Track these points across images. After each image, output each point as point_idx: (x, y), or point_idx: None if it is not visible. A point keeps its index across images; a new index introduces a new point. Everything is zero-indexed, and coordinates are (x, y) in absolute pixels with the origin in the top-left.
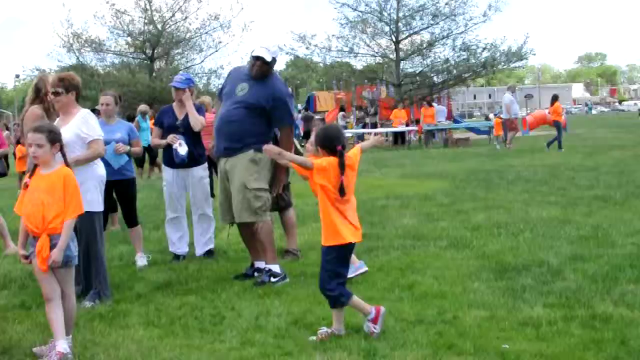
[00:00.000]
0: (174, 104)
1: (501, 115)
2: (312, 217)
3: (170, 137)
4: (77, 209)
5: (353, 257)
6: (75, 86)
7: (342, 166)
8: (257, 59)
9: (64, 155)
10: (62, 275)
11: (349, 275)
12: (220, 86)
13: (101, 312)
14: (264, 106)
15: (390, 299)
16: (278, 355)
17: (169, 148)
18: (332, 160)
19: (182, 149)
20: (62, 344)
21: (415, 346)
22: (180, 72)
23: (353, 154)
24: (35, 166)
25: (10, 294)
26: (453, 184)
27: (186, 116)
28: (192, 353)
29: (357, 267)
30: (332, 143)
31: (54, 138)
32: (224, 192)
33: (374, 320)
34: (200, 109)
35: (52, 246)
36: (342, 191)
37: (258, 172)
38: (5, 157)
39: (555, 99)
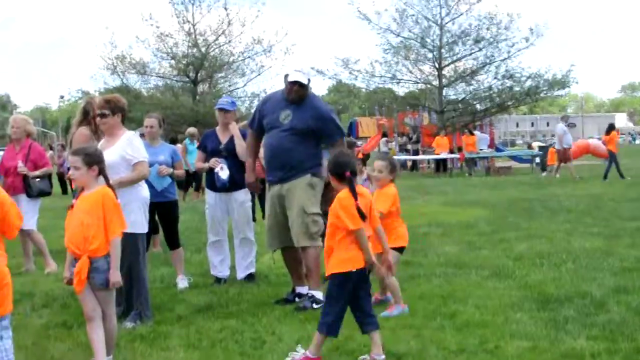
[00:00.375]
0: (217, 128)
1: (555, 146)
2: None
3: (212, 161)
4: (120, 225)
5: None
6: (121, 108)
7: (353, 192)
8: (294, 83)
9: (105, 178)
10: (103, 297)
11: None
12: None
13: (142, 333)
14: (313, 128)
15: (431, 327)
16: None
17: (211, 172)
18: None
19: (223, 172)
20: None
21: None
22: (224, 95)
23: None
24: (83, 188)
25: (52, 313)
26: (495, 213)
27: (229, 140)
28: None
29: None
30: (341, 169)
31: (90, 160)
32: (275, 218)
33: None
34: (245, 135)
35: (93, 269)
36: (362, 215)
37: (315, 197)
38: (49, 176)
39: (612, 128)
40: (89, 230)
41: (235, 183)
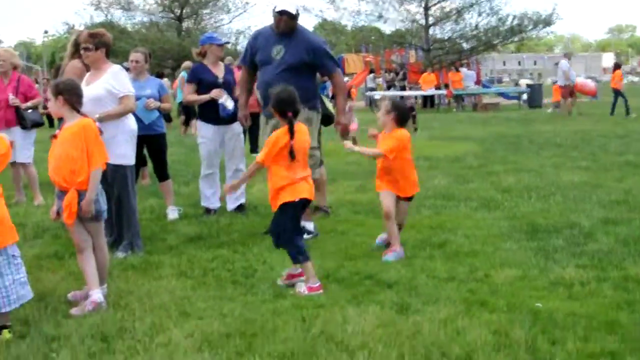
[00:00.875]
0: (208, 62)
1: (559, 83)
2: (342, 175)
3: (216, 92)
4: (101, 158)
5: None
6: (104, 43)
7: (291, 131)
8: (282, 14)
9: (77, 111)
10: (93, 229)
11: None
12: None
13: (134, 263)
14: (306, 61)
15: (421, 257)
16: (311, 307)
17: (208, 104)
18: None
19: (229, 102)
20: (97, 294)
21: (448, 302)
22: (210, 32)
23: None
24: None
25: (43, 244)
26: (483, 147)
27: (226, 73)
28: (225, 304)
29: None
30: (283, 107)
31: (56, 91)
32: None
33: (310, 289)
34: (229, 70)
35: (80, 200)
36: (292, 154)
37: (311, 131)
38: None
39: (617, 67)
40: (75, 164)
41: (234, 114)
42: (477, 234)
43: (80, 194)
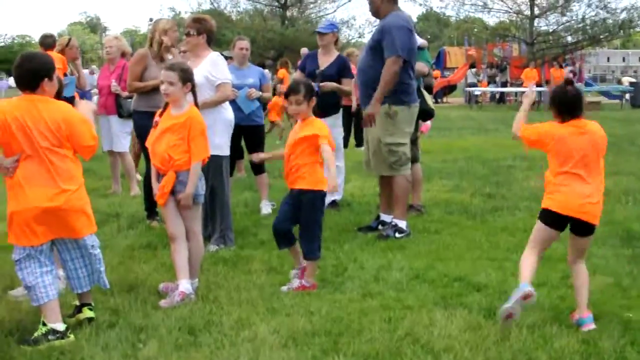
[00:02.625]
0: (319, 51)
1: None
2: (437, 173)
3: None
4: (203, 151)
5: None
6: (207, 29)
7: None
8: None
9: (194, 96)
10: (188, 213)
11: None
12: (350, 38)
13: (225, 256)
14: (378, 41)
15: (513, 260)
16: (398, 308)
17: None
18: None
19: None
20: (185, 284)
21: (537, 308)
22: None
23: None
24: (166, 105)
25: (136, 234)
26: None
27: (329, 66)
28: (313, 301)
29: None
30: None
31: (186, 77)
32: (367, 145)
33: (301, 288)
34: (346, 62)
35: (178, 182)
36: None
37: (393, 126)
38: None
39: None
40: (175, 150)
41: (325, 108)
42: None
43: (178, 175)
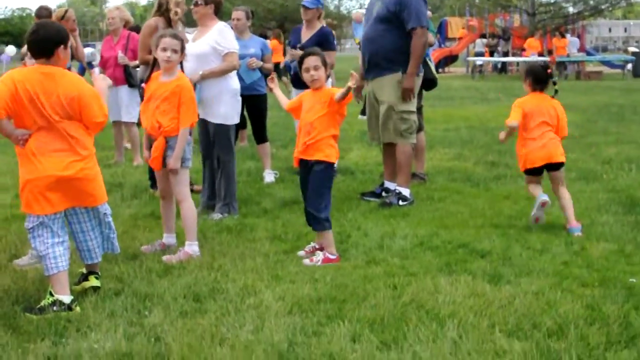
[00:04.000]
0: (303, 24)
1: None
2: (440, 142)
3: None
4: (191, 116)
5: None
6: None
7: None
8: None
9: (181, 65)
10: (177, 177)
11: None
12: (352, 8)
13: (229, 224)
14: (393, 12)
15: (517, 227)
16: (402, 275)
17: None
18: None
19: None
20: (167, 238)
21: (541, 274)
22: None
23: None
24: (150, 74)
25: (140, 203)
26: (584, 117)
27: (309, 39)
28: (317, 269)
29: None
30: None
31: (184, 46)
32: (372, 112)
33: (326, 260)
34: (329, 33)
35: (168, 147)
36: None
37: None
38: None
39: None
40: (164, 117)
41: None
42: (575, 205)
43: (167, 140)
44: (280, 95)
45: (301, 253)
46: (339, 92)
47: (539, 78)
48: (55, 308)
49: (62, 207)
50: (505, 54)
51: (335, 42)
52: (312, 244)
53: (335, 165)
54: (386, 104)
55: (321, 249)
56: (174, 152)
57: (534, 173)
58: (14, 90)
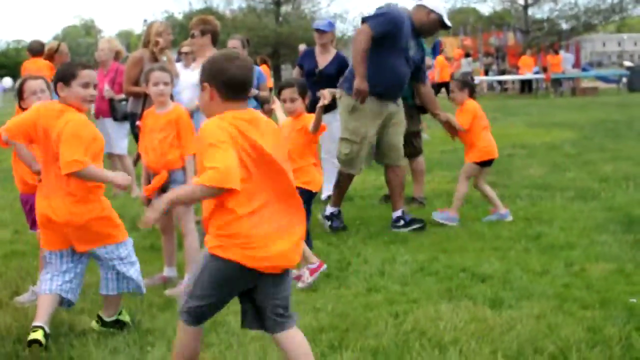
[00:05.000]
0: (317, 48)
1: None
2: (438, 165)
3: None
4: (194, 145)
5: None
6: (211, 30)
7: None
8: (443, 26)
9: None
10: (183, 209)
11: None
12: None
13: None
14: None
15: (516, 249)
16: (404, 302)
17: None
18: None
19: None
20: (168, 271)
21: (542, 297)
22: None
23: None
24: (143, 109)
25: (139, 236)
26: (580, 134)
27: (328, 64)
28: (319, 298)
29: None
30: None
31: (172, 78)
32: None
33: (312, 271)
34: (345, 58)
35: (171, 181)
36: None
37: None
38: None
39: None
40: (164, 145)
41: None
42: (573, 225)
43: (170, 174)
44: (281, 115)
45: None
46: (311, 121)
47: (473, 88)
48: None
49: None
50: (502, 73)
51: None
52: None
53: (324, 196)
54: (404, 127)
55: (299, 277)
56: (187, 178)
57: (485, 165)
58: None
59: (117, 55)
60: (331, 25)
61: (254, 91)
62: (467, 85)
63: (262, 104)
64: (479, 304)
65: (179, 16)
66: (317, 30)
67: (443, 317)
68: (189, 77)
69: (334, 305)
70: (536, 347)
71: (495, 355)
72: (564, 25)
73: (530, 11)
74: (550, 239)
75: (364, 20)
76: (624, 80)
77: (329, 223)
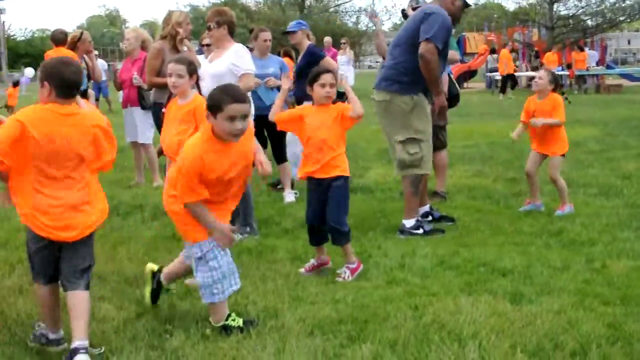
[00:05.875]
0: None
1: None
2: (460, 159)
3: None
4: None
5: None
6: (227, 21)
7: None
8: (466, 5)
9: (198, 88)
10: None
11: None
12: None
13: (249, 246)
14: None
15: (537, 245)
16: (424, 295)
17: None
18: None
19: None
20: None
21: (562, 293)
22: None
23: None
24: (169, 98)
25: (161, 225)
26: (604, 131)
27: (300, 60)
28: (338, 289)
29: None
30: None
31: (192, 69)
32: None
33: (353, 271)
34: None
35: None
36: None
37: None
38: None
39: None
40: (184, 135)
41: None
42: (595, 222)
43: None
44: (278, 103)
45: (301, 271)
46: (352, 108)
47: (559, 84)
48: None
49: None
50: (535, 69)
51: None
52: (312, 261)
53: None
54: None
55: (321, 265)
56: None
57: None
58: None
59: (144, 44)
60: (300, 24)
61: (276, 82)
62: (556, 79)
63: None
64: (499, 299)
65: (203, 8)
66: (286, 33)
67: (463, 310)
68: (208, 67)
69: (354, 297)
70: (556, 342)
71: (514, 349)
72: (589, 22)
73: (555, 7)
74: (572, 234)
75: (429, 39)
76: None
77: (420, 232)
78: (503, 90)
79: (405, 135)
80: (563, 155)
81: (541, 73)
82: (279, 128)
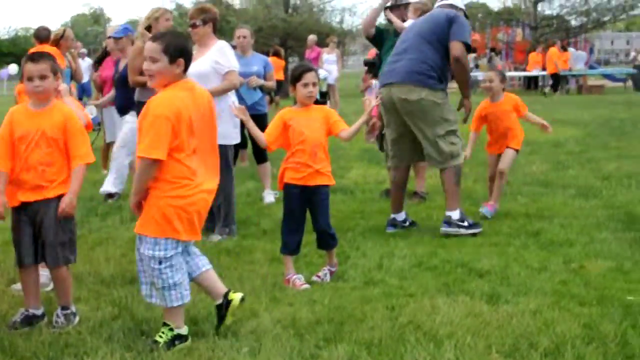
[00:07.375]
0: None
1: None
2: None
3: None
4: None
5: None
6: (212, 18)
7: None
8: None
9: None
10: None
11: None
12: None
13: (227, 246)
14: None
15: (515, 245)
16: (401, 296)
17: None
18: None
19: None
20: None
21: (539, 293)
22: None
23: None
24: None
25: None
26: (585, 132)
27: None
28: (316, 290)
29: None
30: None
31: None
32: None
33: (332, 273)
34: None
35: None
36: None
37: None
38: None
39: None
40: None
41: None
42: (573, 223)
43: None
44: (257, 133)
45: (315, 279)
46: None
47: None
48: (176, 342)
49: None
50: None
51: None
52: (325, 269)
53: None
54: None
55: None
56: None
57: None
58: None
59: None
60: (126, 30)
61: (259, 81)
62: (505, 78)
63: (269, 93)
64: (476, 299)
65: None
66: (111, 38)
67: (439, 311)
68: (191, 67)
69: (331, 298)
70: (531, 342)
71: (489, 349)
72: (573, 22)
73: (539, 7)
74: (550, 235)
75: (463, 42)
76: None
77: (465, 224)
78: None
79: (445, 128)
80: (517, 151)
81: (491, 76)
82: (273, 149)
